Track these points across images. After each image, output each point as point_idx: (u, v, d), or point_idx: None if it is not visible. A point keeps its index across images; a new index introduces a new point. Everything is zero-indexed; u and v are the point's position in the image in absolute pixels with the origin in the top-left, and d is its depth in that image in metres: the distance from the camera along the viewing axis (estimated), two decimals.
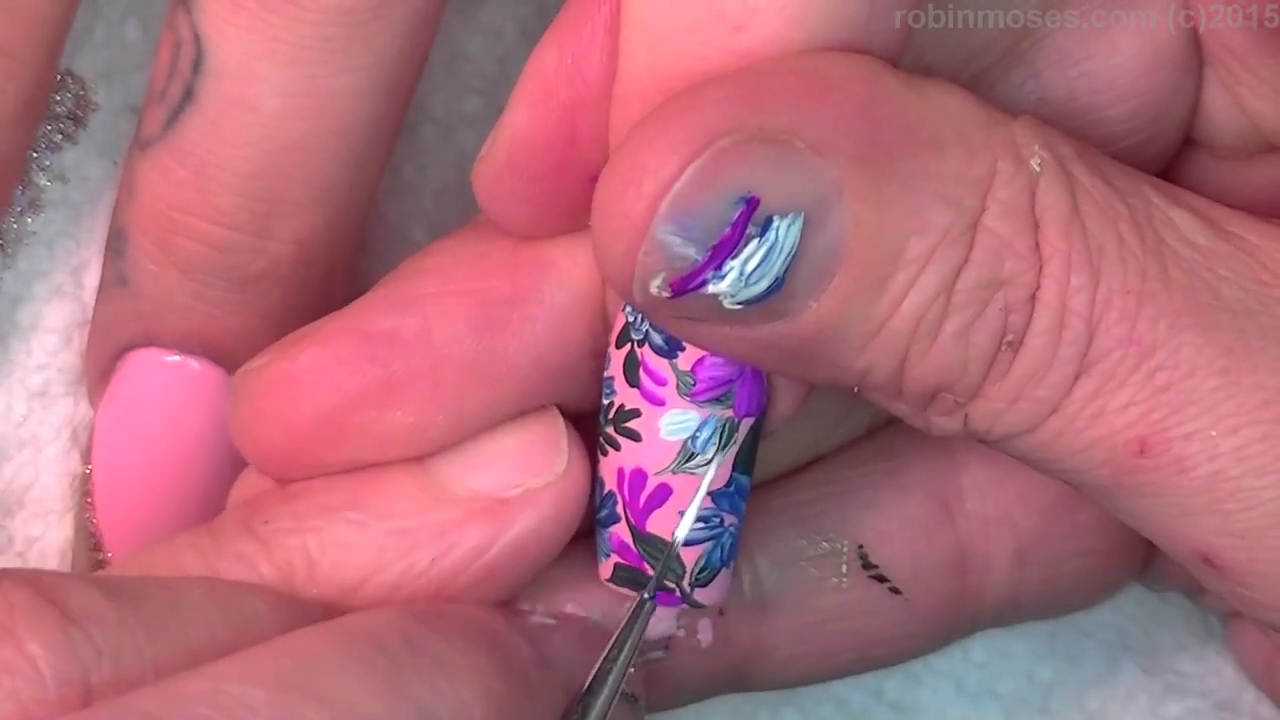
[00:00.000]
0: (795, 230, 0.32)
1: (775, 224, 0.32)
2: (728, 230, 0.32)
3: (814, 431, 0.42)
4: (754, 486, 0.39)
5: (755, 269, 0.32)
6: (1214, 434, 0.33)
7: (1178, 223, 0.34)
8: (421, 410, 0.37)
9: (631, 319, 0.36)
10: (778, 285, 0.32)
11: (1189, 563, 0.35)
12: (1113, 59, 0.37)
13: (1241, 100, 0.38)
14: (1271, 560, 0.34)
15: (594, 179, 0.36)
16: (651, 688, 0.40)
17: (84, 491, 0.43)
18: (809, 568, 0.41)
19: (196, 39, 0.38)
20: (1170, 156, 0.39)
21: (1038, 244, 0.33)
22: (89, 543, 0.43)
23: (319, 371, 0.37)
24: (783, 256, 0.32)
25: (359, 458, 0.37)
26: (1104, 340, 0.33)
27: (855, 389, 0.34)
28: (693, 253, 0.32)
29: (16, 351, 0.44)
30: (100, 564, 0.43)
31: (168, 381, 0.41)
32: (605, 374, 0.37)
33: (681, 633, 0.40)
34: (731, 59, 0.33)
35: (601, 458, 0.37)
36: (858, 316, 0.33)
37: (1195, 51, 0.38)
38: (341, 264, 0.41)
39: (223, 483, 0.40)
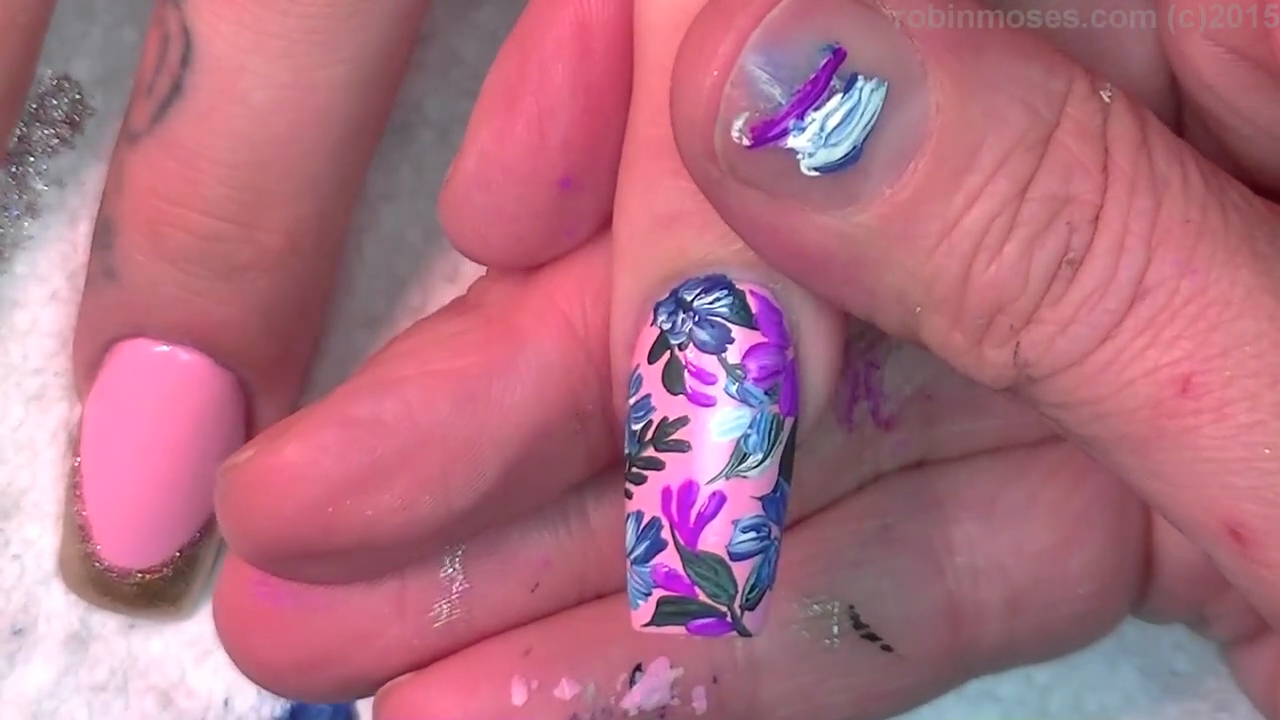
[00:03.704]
0: (878, 97, 0.32)
1: (859, 84, 0.32)
2: (813, 76, 0.32)
3: (800, 493, 0.41)
4: None
5: (835, 128, 0.32)
6: (1258, 382, 0.33)
7: (1234, 183, 0.34)
8: (408, 492, 0.36)
9: (668, 325, 0.36)
10: (855, 155, 0.32)
11: (1214, 539, 0.34)
12: None
13: (1223, 140, 0.37)
14: None
15: (563, 183, 0.36)
16: None
17: (73, 484, 0.43)
18: (800, 630, 0.41)
19: (185, 32, 0.38)
20: None
21: (1106, 166, 0.33)
22: (77, 535, 0.43)
23: (304, 463, 0.36)
24: (863, 121, 0.32)
25: (349, 544, 0.37)
26: (1161, 266, 0.33)
27: (915, 313, 0.34)
28: (778, 94, 0.32)
29: (13, 355, 0.44)
30: (89, 556, 0.43)
31: (156, 372, 0.41)
32: (633, 399, 0.36)
33: (676, 701, 0.40)
34: None
35: (636, 489, 0.36)
36: (929, 212, 0.32)
37: (1173, 91, 0.37)
38: (328, 255, 0.42)
39: (211, 473, 0.40)
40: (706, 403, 0.35)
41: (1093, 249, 0.33)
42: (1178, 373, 0.33)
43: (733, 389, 0.35)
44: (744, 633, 0.36)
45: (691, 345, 0.35)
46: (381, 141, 0.42)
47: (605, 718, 0.39)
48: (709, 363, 0.35)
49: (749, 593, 0.36)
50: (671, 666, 0.40)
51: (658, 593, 0.36)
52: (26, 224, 0.44)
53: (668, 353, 0.35)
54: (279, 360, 0.42)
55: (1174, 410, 0.33)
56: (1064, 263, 0.33)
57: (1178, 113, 0.38)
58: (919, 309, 0.34)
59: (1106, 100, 0.33)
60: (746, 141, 0.32)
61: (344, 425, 0.36)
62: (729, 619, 0.36)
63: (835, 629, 0.41)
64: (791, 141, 0.32)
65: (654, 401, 0.36)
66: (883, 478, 0.42)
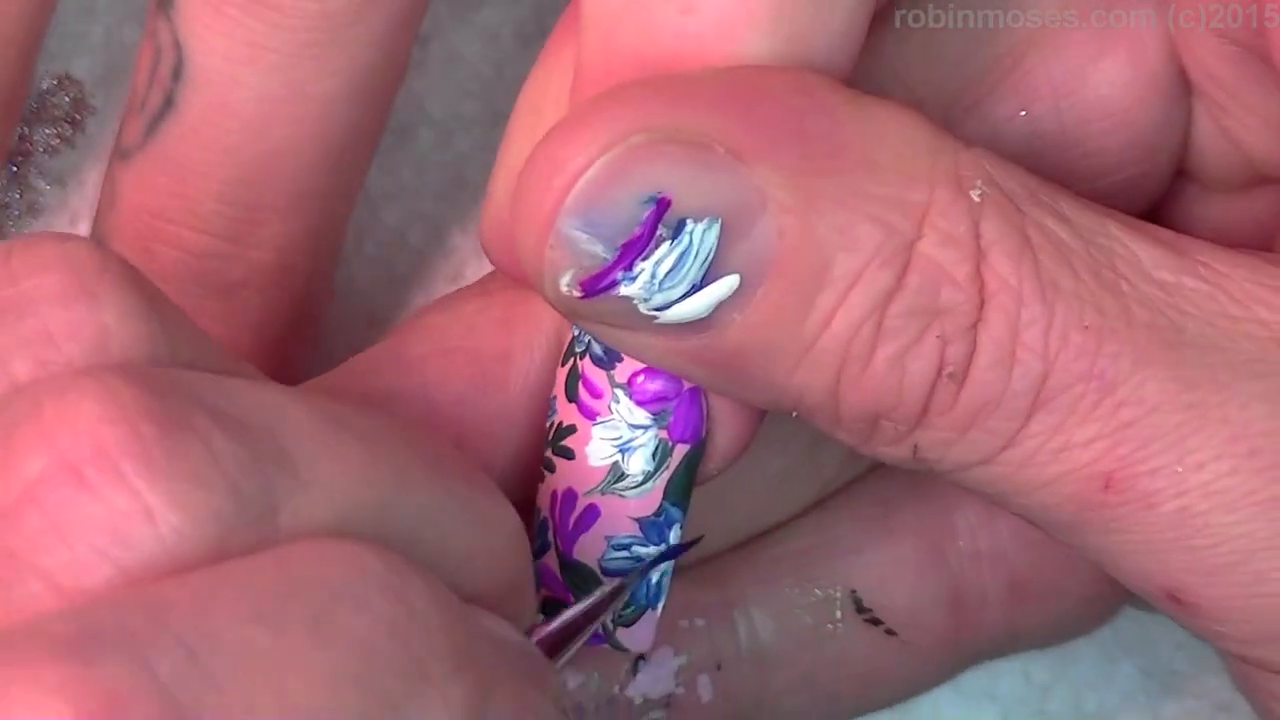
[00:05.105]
0: (711, 236, 0.31)
1: (689, 227, 0.31)
2: (637, 229, 0.31)
3: (820, 478, 0.42)
4: (750, 539, 0.39)
5: (668, 272, 0.31)
6: (1180, 469, 0.32)
7: (1142, 258, 0.33)
8: None
9: (577, 332, 0.35)
10: (696, 289, 0.32)
11: (1157, 600, 0.34)
12: (1102, 90, 0.37)
13: (1229, 131, 0.37)
14: (1242, 596, 0.33)
15: None
16: None
17: None
18: (803, 615, 0.41)
19: (177, 45, 0.38)
20: (1163, 190, 0.38)
21: (980, 275, 0.32)
22: None
23: None
24: (698, 262, 0.31)
25: None
26: (1062, 375, 0.32)
27: (794, 414, 0.34)
28: (600, 250, 0.31)
29: None
30: None
31: None
32: (551, 395, 0.36)
33: (681, 690, 0.40)
34: (679, 41, 0.32)
35: (540, 486, 0.36)
36: (785, 334, 0.32)
37: (1184, 82, 0.37)
38: (321, 271, 0.41)
39: None
40: (591, 415, 0.35)
41: (977, 361, 0.32)
42: (1098, 470, 0.32)
43: (616, 406, 0.35)
44: (618, 648, 0.36)
45: (588, 356, 0.35)
46: (382, 141, 0.42)
47: (610, 707, 0.39)
48: (599, 377, 0.35)
49: (622, 609, 0.35)
50: (675, 654, 0.40)
51: (543, 590, 0.36)
52: (28, 224, 0.44)
53: (572, 360, 0.35)
54: (273, 378, 0.41)
55: (1099, 504, 0.33)
56: (943, 375, 0.32)
57: (1189, 100, 0.37)
58: (795, 414, 0.33)
59: (977, 200, 0.32)
60: (577, 294, 0.32)
61: (360, 399, 0.36)
62: (600, 632, 0.35)
63: (838, 613, 0.41)
64: (623, 290, 0.32)
65: (557, 404, 0.36)
66: (883, 464, 0.42)
